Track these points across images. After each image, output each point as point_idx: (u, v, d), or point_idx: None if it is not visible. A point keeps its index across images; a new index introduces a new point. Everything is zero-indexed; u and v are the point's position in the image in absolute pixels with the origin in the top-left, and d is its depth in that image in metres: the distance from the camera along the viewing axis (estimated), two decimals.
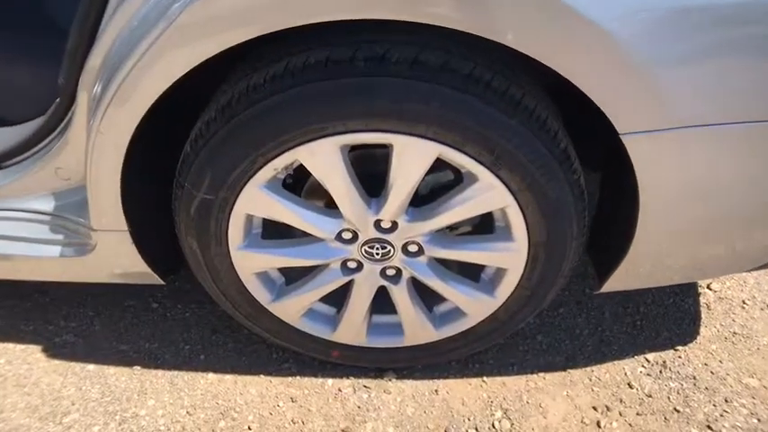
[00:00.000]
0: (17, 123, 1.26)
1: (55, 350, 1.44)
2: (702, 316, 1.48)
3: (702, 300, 1.52)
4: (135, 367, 1.39)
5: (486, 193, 0.99)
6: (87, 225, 1.14)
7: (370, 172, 1.03)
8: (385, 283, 1.16)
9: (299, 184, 1.12)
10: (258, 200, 1.03)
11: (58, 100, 1.11)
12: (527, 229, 1.04)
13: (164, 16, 0.83)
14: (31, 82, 1.24)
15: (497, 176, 0.96)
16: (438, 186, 1.10)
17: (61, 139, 1.13)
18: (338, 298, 1.21)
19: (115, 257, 1.18)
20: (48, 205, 1.20)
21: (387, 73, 0.87)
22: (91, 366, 1.40)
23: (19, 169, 1.20)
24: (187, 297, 1.52)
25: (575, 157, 1.00)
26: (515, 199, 0.99)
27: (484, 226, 1.14)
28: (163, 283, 1.26)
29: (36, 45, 1.26)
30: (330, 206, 1.09)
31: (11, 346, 1.46)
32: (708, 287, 1.55)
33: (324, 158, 0.97)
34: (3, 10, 1.36)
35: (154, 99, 0.91)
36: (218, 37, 0.84)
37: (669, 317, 1.47)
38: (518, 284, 1.12)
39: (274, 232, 1.13)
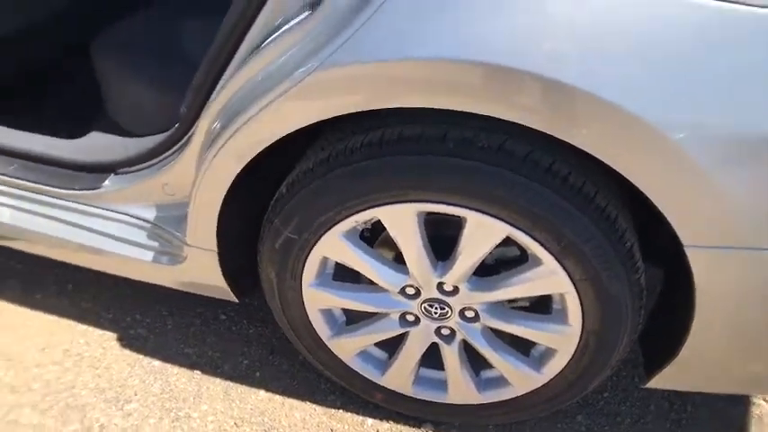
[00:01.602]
0: (139, 136, 1.42)
1: (128, 341, 1.58)
2: (752, 427, 1.45)
3: (755, 410, 1.50)
4: (195, 371, 1.50)
5: (548, 277, 1.04)
6: (182, 239, 1.26)
7: (442, 234, 1.10)
8: (438, 340, 1.22)
9: (374, 234, 1.20)
10: (336, 246, 1.12)
11: (177, 125, 1.24)
12: (582, 316, 1.08)
13: (288, 77, 0.94)
14: (157, 104, 1.39)
15: (561, 264, 1.01)
16: (503, 260, 1.16)
17: (174, 159, 1.26)
18: (392, 345, 1.28)
19: (200, 272, 1.30)
20: (149, 214, 1.33)
21: (473, 157, 0.94)
22: (156, 362, 1.52)
23: (131, 178, 1.34)
24: (253, 315, 1.63)
25: (639, 257, 1.04)
26: (575, 287, 1.04)
27: (541, 304, 1.18)
28: (236, 300, 1.37)
29: (167, 74, 1.41)
30: (399, 261, 1.17)
31: (91, 329, 1.60)
32: (763, 399, 1.53)
33: (401, 220, 1.05)
34: (147, 41, 1.52)
35: (264, 147, 1.02)
36: (332, 104, 0.94)
37: (716, 422, 1.45)
38: (565, 366, 1.16)
39: (345, 275, 1.22)
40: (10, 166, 1.44)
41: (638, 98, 0.83)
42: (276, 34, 1.00)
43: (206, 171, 1.10)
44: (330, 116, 0.96)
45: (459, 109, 0.90)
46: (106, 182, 1.36)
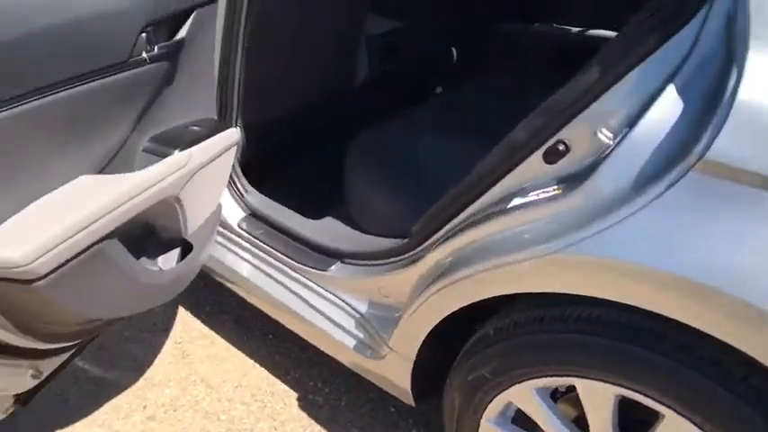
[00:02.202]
0: (370, 233, 1.61)
1: (306, 404, 1.75)
2: None
3: None
4: None
5: None
6: (385, 340, 1.41)
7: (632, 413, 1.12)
8: None
9: (562, 393, 1.25)
10: (526, 397, 1.18)
11: (407, 240, 1.41)
12: None
13: (528, 249, 1.05)
14: (392, 211, 1.58)
15: None
16: None
17: (395, 268, 1.42)
18: None
19: (391, 372, 1.43)
20: (362, 307, 1.50)
21: (640, 345, 0.99)
22: None
23: (355, 271, 1.52)
24: (420, 417, 1.72)
25: None
26: None
27: None
28: (413, 404, 1.48)
29: (408, 186, 1.60)
30: (578, 422, 1.20)
31: (278, 382, 1.80)
32: None
33: (597, 397, 1.09)
34: (396, 149, 1.74)
35: (486, 298, 1.13)
36: (561, 281, 1.04)
37: None
38: None
39: (525, 419, 1.27)
40: (258, 229, 1.71)
41: None
42: (524, 200, 1.12)
43: (427, 299, 1.24)
44: (556, 291, 1.04)
45: (683, 320, 0.94)
46: (333, 267, 1.56)
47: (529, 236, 1.07)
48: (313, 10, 1.87)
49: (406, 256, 1.40)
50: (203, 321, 1.98)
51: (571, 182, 1.08)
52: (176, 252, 1.42)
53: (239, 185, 1.73)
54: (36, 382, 1.27)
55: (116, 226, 1.06)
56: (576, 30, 2.56)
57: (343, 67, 2.15)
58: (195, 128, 1.42)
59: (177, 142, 1.32)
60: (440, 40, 2.57)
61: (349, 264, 1.55)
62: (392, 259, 1.44)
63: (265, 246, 1.67)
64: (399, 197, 1.58)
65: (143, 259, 1.32)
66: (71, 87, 1.03)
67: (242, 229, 1.70)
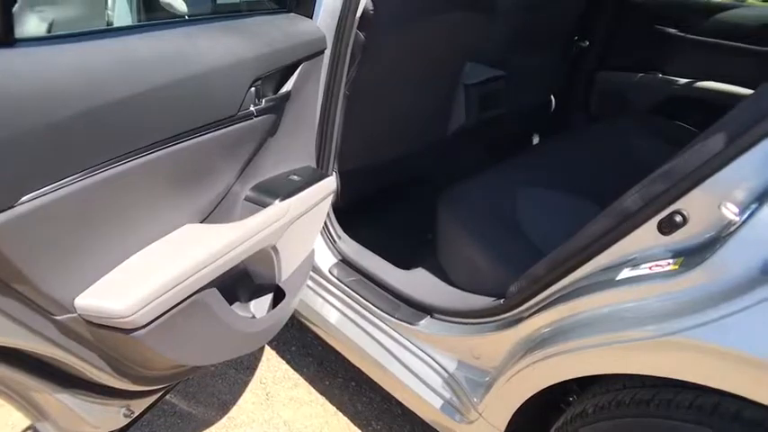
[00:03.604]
0: (461, 289, 1.57)
1: None
2: None
3: None
4: None
5: None
6: (474, 405, 1.35)
7: None
8: None
9: None
10: None
11: (503, 300, 1.35)
12: None
13: (637, 328, 0.98)
14: (487, 269, 1.53)
15: None
16: None
17: (489, 329, 1.36)
18: None
19: None
20: (451, 366, 1.46)
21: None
22: None
23: (445, 327, 1.48)
24: None
25: None
26: None
27: None
28: None
29: (505, 243, 1.55)
30: None
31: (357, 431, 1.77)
32: None
33: None
34: (492, 204, 1.69)
35: (594, 374, 1.06)
36: (665, 364, 0.96)
37: None
38: None
39: None
40: (349, 276, 1.70)
41: None
42: (635, 272, 1.05)
43: (525, 368, 1.18)
44: (667, 376, 0.96)
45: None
46: (422, 321, 1.52)
47: (641, 313, 1.00)
48: (412, 60, 1.88)
49: (502, 317, 1.35)
50: (288, 362, 1.99)
51: (689, 258, 1.01)
52: (269, 298, 1.44)
53: (332, 231, 1.74)
54: (128, 420, 1.30)
55: (214, 277, 1.08)
56: (683, 81, 2.44)
57: (440, 116, 2.15)
58: (295, 177, 1.44)
59: (278, 192, 1.34)
60: (539, 89, 2.52)
61: (439, 320, 1.51)
62: (486, 319, 1.39)
63: (354, 293, 1.66)
64: (494, 254, 1.53)
65: (237, 305, 1.34)
66: (183, 141, 1.07)
67: (333, 275, 1.70)
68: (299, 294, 1.55)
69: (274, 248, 1.33)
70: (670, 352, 0.95)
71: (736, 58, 2.33)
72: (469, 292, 1.55)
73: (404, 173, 2.09)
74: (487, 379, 1.35)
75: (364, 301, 1.64)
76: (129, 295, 0.94)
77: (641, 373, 1.00)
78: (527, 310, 1.28)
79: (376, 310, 1.61)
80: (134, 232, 1.03)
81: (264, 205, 1.30)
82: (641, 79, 2.55)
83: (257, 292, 1.42)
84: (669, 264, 1.02)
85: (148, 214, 1.06)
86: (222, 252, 1.08)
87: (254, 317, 1.37)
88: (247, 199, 1.32)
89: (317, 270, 1.71)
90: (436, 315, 1.52)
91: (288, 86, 1.35)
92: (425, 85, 1.93)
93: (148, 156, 1.01)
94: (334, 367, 1.97)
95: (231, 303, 1.33)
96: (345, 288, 1.68)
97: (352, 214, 1.85)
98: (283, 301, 1.44)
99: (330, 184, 1.52)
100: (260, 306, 1.41)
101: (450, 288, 1.60)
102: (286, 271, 1.44)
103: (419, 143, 2.08)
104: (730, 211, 0.93)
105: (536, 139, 2.47)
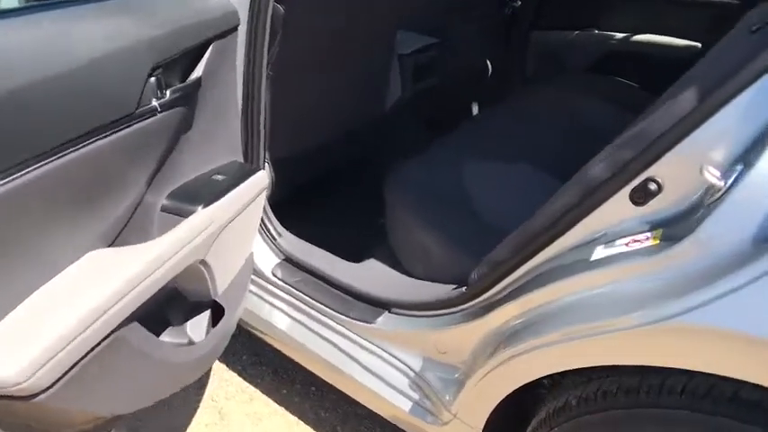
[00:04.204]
0: (419, 279, 1.44)
1: None
2: None
3: None
4: None
5: None
6: (447, 404, 1.23)
7: None
8: None
9: None
10: None
11: (465, 288, 1.23)
12: None
13: (624, 315, 0.87)
14: (444, 256, 1.40)
15: None
16: None
17: (453, 321, 1.24)
18: None
19: None
20: (416, 364, 1.33)
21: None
22: None
23: (405, 322, 1.35)
24: None
25: None
26: None
27: None
28: None
29: (460, 226, 1.42)
30: None
31: None
32: None
33: None
34: (441, 186, 1.55)
35: (581, 367, 0.96)
36: (658, 354, 0.86)
37: None
38: None
39: None
40: (295, 277, 1.55)
41: None
42: (611, 250, 0.94)
43: (500, 364, 1.06)
44: (666, 365, 0.86)
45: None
46: (380, 318, 1.39)
47: (624, 298, 0.89)
48: (339, 32, 1.71)
49: (467, 306, 1.23)
50: (239, 374, 1.83)
51: (667, 229, 0.90)
52: (207, 317, 1.27)
53: (271, 229, 1.58)
54: None
55: (133, 310, 0.91)
56: (620, 36, 2.35)
57: (375, 90, 1.98)
58: (219, 177, 1.27)
59: (200, 197, 1.17)
60: (474, 54, 2.38)
61: (398, 314, 1.38)
62: (449, 310, 1.27)
63: (303, 295, 1.51)
64: (448, 238, 1.40)
65: (170, 332, 1.17)
66: (71, 151, 0.88)
67: (276, 276, 1.54)
68: (241, 306, 1.39)
69: (204, 264, 1.16)
70: (664, 339, 0.84)
71: (673, 10, 2.26)
72: (428, 281, 1.42)
73: (343, 156, 1.93)
74: (458, 375, 1.24)
75: (314, 302, 1.49)
76: (20, 357, 0.76)
77: (633, 364, 0.90)
78: (492, 297, 1.16)
79: (328, 310, 1.46)
80: (22, 272, 0.85)
81: (185, 215, 1.12)
82: (577, 37, 2.44)
83: (192, 313, 1.24)
84: (648, 238, 0.92)
85: (39, 246, 0.87)
86: (136, 280, 0.91)
87: (191, 342, 1.20)
88: (164, 209, 1.14)
89: (258, 273, 1.55)
90: (394, 310, 1.39)
91: (197, 72, 1.17)
92: (357, 59, 1.77)
93: (27, 175, 0.82)
94: (291, 374, 1.83)
95: (162, 331, 1.16)
96: (292, 290, 1.52)
97: (291, 207, 1.69)
98: (224, 318, 1.27)
99: (262, 179, 1.35)
100: (197, 327, 1.24)
101: (408, 279, 1.47)
102: (222, 283, 1.28)
103: (356, 122, 1.92)
104: (712, 175, 0.83)
105: (475, 109, 2.34)
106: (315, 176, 1.87)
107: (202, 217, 1.12)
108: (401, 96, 1.98)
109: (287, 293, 1.53)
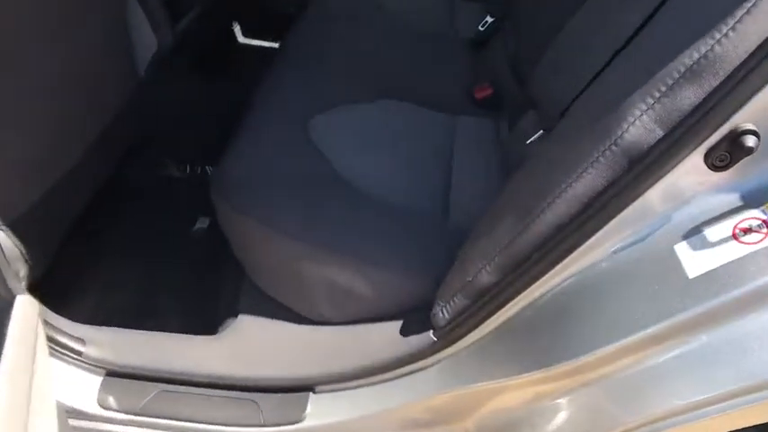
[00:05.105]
0: (332, 323, 0.96)
1: None
2: None
3: None
4: None
5: None
6: None
7: None
8: None
9: None
10: None
11: (432, 332, 0.83)
12: None
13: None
14: (367, 279, 0.92)
15: None
16: None
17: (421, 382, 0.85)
18: None
19: None
20: None
21: None
22: None
23: (351, 404, 0.91)
24: None
25: None
26: None
27: None
28: None
29: (366, 232, 0.96)
30: None
31: None
32: None
33: None
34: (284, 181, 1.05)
35: None
36: None
37: None
38: None
39: None
40: (138, 396, 0.96)
41: None
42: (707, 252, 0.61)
43: None
44: None
45: None
46: (306, 410, 0.91)
47: None
48: (52, 18, 1.00)
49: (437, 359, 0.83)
50: None
51: None
52: None
53: (65, 340, 0.95)
54: None
55: None
56: None
57: (115, 81, 1.28)
58: None
59: None
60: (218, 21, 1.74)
61: (334, 391, 0.92)
62: (414, 366, 0.86)
63: (163, 420, 0.95)
64: (342, 248, 0.92)
65: None
66: None
67: (110, 408, 0.95)
68: None
69: None
70: None
71: None
72: (346, 323, 0.96)
73: (99, 176, 1.24)
74: None
75: (184, 425, 0.95)
76: None
77: None
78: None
79: (212, 428, 0.94)
80: None
81: None
82: None
83: None
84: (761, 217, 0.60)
85: None
86: None
87: None
88: None
89: (81, 415, 0.94)
90: (320, 388, 0.93)
91: None
92: (77, 45, 1.08)
93: None
94: None
95: None
96: (143, 419, 0.95)
97: (67, 284, 1.07)
98: None
99: (26, 309, 0.73)
100: None
101: (318, 329, 0.97)
102: None
103: (97, 119, 1.22)
104: None
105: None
106: (79, 224, 1.18)
107: None
108: (159, 51, 1.31)
109: (138, 426, 0.96)
